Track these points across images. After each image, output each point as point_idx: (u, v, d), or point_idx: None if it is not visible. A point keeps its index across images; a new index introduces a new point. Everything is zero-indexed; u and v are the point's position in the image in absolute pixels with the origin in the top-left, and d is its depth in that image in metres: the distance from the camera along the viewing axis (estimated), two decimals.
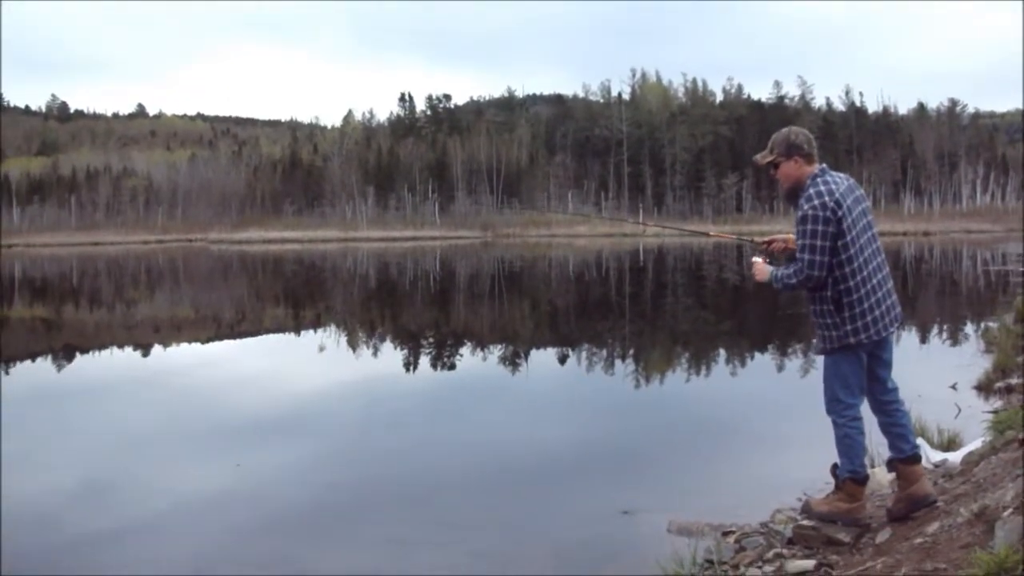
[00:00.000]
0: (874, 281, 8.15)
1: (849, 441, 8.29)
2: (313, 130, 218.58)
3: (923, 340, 25.06)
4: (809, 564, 7.75)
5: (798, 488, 10.50)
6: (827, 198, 7.98)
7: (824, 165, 8.36)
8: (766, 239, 8.93)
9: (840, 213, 7.97)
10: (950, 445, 11.54)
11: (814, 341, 8.45)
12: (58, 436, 15.70)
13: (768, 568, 8.07)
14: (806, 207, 7.96)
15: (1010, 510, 6.56)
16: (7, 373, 23.30)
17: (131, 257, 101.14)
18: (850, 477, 8.34)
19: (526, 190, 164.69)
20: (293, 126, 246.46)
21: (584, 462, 13.41)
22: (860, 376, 8.27)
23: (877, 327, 8.15)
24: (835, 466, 8.52)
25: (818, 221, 7.89)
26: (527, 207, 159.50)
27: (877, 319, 8.15)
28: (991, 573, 5.54)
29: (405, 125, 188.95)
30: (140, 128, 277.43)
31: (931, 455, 10.08)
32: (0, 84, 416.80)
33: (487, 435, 15.53)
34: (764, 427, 15.51)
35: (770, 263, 8.61)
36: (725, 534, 9.45)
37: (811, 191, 8.09)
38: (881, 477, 9.96)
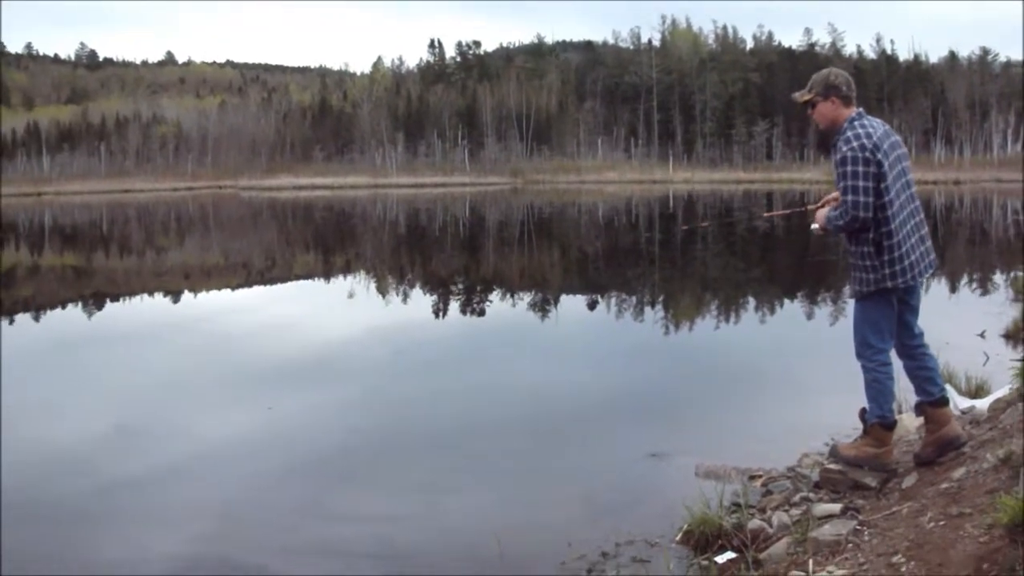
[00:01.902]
0: (910, 225, 8.15)
1: (878, 386, 8.29)
2: (343, 76, 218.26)
3: (952, 288, 25.01)
4: (836, 508, 7.77)
5: (826, 433, 10.54)
6: (865, 140, 7.95)
7: (861, 109, 8.33)
8: (816, 205, 8.89)
9: (879, 156, 7.94)
10: (978, 392, 11.52)
11: (850, 285, 8.40)
12: (89, 382, 15.85)
13: (795, 512, 8.10)
14: (845, 149, 7.92)
15: None
16: (38, 321, 23.42)
17: (161, 204, 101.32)
18: (878, 422, 8.34)
19: (556, 136, 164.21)
20: (322, 73, 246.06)
21: (613, 406, 13.46)
22: (891, 321, 8.27)
23: (914, 272, 8.15)
24: (863, 411, 8.51)
25: (858, 162, 7.85)
26: (556, 153, 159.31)
27: (914, 263, 8.15)
28: (1016, 518, 5.56)
29: (435, 71, 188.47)
30: (169, 75, 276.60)
31: (959, 402, 10.06)
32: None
33: (516, 380, 15.62)
34: (793, 372, 15.56)
35: (819, 228, 8.61)
36: (752, 478, 9.50)
37: (848, 133, 8.06)
38: (908, 423, 9.97)
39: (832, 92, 8.28)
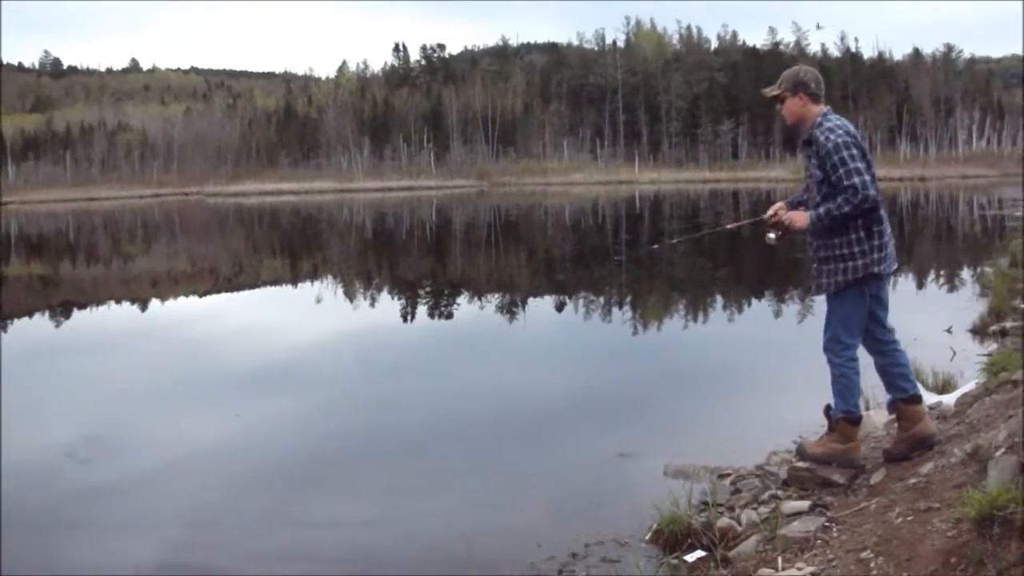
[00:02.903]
0: (885, 216, 8.24)
1: (845, 381, 8.33)
2: (308, 81, 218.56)
3: (919, 284, 25.13)
4: (804, 505, 7.80)
5: (793, 431, 10.56)
6: (848, 128, 8.09)
7: (828, 108, 8.39)
8: (769, 214, 8.86)
9: (861, 145, 8.06)
10: (945, 387, 11.60)
11: (821, 282, 8.32)
12: (57, 391, 15.77)
13: (763, 509, 8.12)
14: (832, 137, 7.96)
15: (1002, 450, 6.61)
16: (5, 331, 23.33)
17: (127, 212, 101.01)
18: (844, 417, 8.38)
19: (521, 139, 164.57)
20: (287, 78, 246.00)
21: (580, 407, 13.49)
22: (862, 317, 8.29)
23: (892, 259, 8.27)
24: (828, 407, 8.57)
25: (851, 147, 7.90)
26: (522, 155, 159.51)
27: (893, 252, 8.28)
28: (983, 511, 5.58)
29: (400, 75, 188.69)
30: (134, 83, 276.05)
31: (926, 397, 10.12)
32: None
33: (483, 383, 15.61)
34: (760, 371, 15.61)
35: (779, 232, 8.59)
36: (721, 476, 9.52)
37: (827, 124, 8.12)
38: (875, 419, 10.02)
39: (801, 88, 8.35)
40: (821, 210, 8.05)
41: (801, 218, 8.28)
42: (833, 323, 8.33)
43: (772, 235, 8.60)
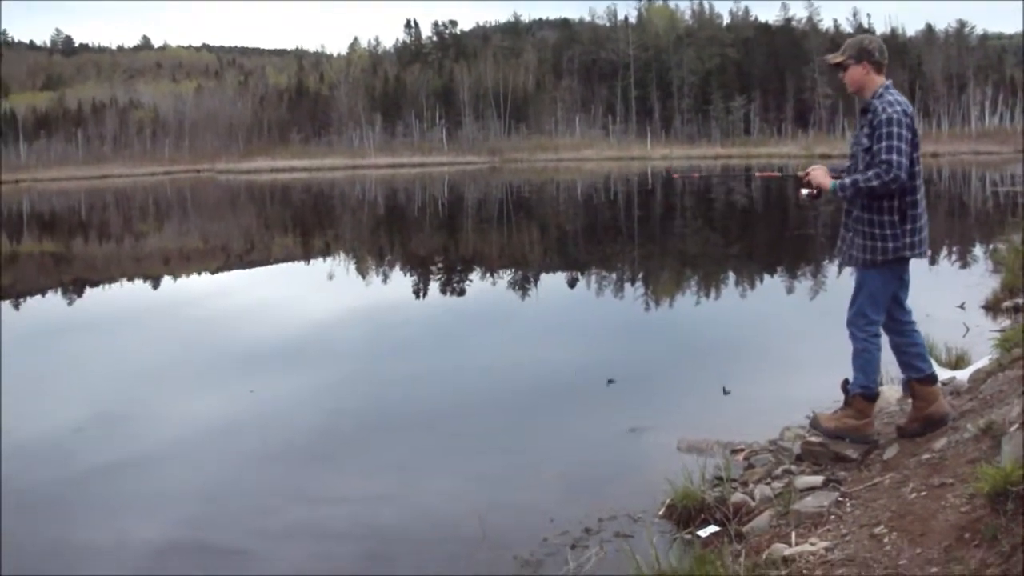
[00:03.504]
0: (923, 199, 8.22)
1: (867, 356, 8.31)
2: (319, 58, 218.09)
3: (932, 260, 24.97)
4: (817, 480, 7.80)
5: (807, 406, 10.46)
6: (905, 107, 8.00)
7: (891, 81, 8.36)
8: (805, 172, 8.83)
9: (914, 126, 8.02)
10: (958, 363, 11.57)
11: (852, 254, 8.29)
12: (70, 368, 15.82)
13: (777, 484, 8.12)
14: (889, 111, 7.90)
15: (1016, 425, 6.59)
16: (16, 309, 23.36)
17: (139, 189, 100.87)
18: (861, 393, 8.35)
19: (533, 115, 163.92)
20: (299, 55, 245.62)
21: (593, 383, 13.42)
22: (889, 295, 8.28)
23: (926, 244, 8.24)
24: (846, 382, 8.52)
25: (902, 125, 7.85)
26: (534, 132, 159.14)
27: (926, 236, 8.23)
28: (997, 486, 5.57)
29: (411, 52, 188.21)
30: (145, 60, 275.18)
31: (939, 373, 10.10)
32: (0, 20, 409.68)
33: (496, 359, 15.63)
34: (772, 346, 15.60)
35: (812, 191, 8.56)
36: (734, 452, 9.51)
37: (888, 97, 8.06)
38: (889, 395, 9.99)
39: (865, 56, 8.26)
40: (848, 179, 8.03)
41: (826, 179, 8.28)
42: (860, 298, 8.29)
43: (804, 192, 8.56)
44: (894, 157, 7.74)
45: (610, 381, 13.10)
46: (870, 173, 7.83)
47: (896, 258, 8.10)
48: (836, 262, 8.79)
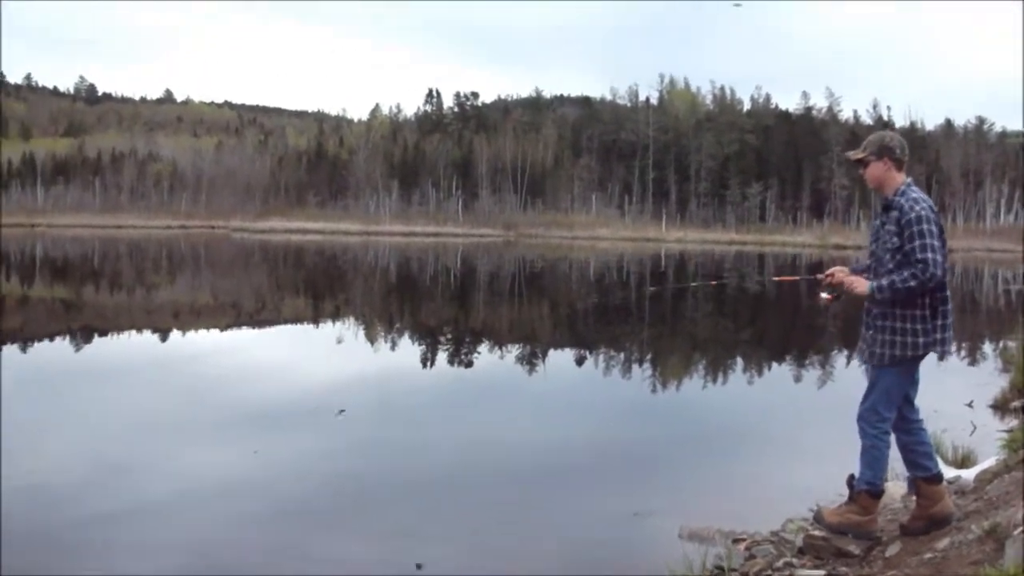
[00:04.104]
0: (950, 296, 8.21)
1: (876, 452, 8.26)
2: (340, 122, 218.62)
3: (941, 357, 24.98)
4: (819, 574, 7.77)
5: (811, 497, 10.47)
6: (931, 204, 8.06)
7: (911, 179, 8.37)
8: (827, 274, 8.83)
9: (940, 223, 8.06)
10: (964, 462, 11.55)
11: (875, 351, 8.23)
12: (74, 417, 15.78)
13: None
14: (917, 208, 7.95)
15: (1020, 529, 6.57)
16: (24, 352, 23.38)
17: (153, 242, 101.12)
18: (867, 489, 8.32)
19: (550, 191, 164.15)
20: (320, 117, 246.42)
21: (598, 463, 13.43)
22: (903, 393, 8.27)
23: (950, 341, 8.22)
24: (851, 477, 8.49)
25: (931, 223, 7.90)
26: (550, 208, 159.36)
27: (951, 334, 8.21)
28: None
29: (432, 121, 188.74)
30: (167, 113, 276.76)
31: (945, 472, 10.06)
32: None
33: (501, 433, 15.58)
34: (779, 435, 15.58)
35: (834, 294, 8.55)
36: (736, 541, 9.47)
37: (913, 195, 8.11)
38: (893, 491, 9.96)
39: (886, 153, 8.29)
40: (885, 281, 8.00)
41: (861, 284, 8.21)
42: (875, 394, 8.25)
43: (825, 295, 8.56)
44: (929, 255, 7.78)
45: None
46: (906, 274, 7.85)
47: (923, 354, 8.10)
48: (857, 360, 8.70)
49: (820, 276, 8.75)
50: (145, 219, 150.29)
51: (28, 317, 31.85)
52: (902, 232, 7.97)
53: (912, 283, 7.81)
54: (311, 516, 10.84)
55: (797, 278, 11.44)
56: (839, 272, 8.59)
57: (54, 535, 9.80)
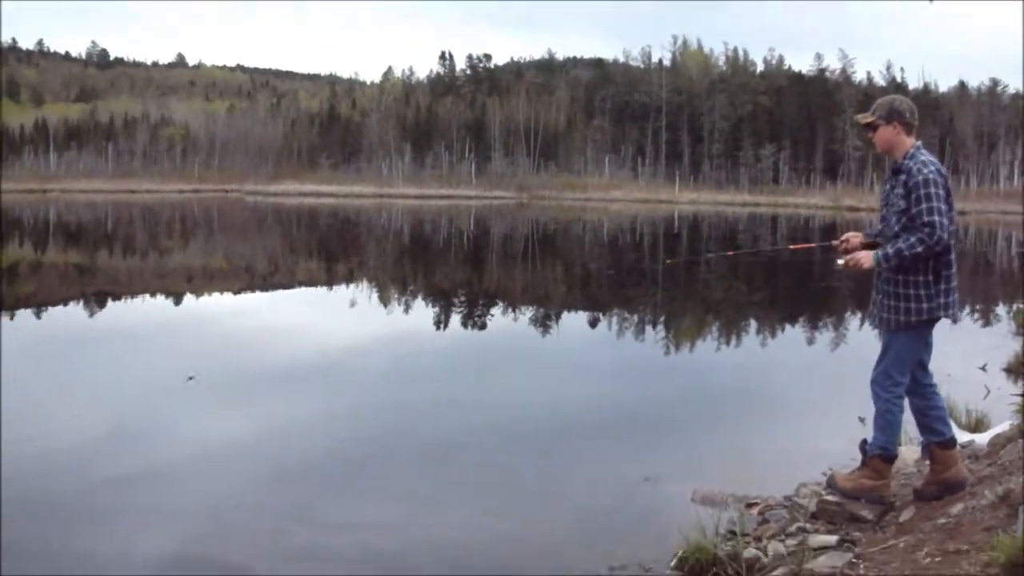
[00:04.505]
0: (954, 259, 8.19)
1: (889, 417, 8.23)
2: (352, 85, 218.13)
3: (954, 320, 24.89)
4: (831, 540, 7.74)
5: (824, 462, 10.45)
6: (940, 167, 8.02)
7: (921, 142, 8.33)
8: (841, 240, 8.80)
9: (948, 186, 8.00)
10: (977, 426, 11.50)
11: (883, 316, 8.24)
12: (86, 381, 15.78)
13: (790, 542, 8.04)
14: (925, 171, 7.90)
15: None
16: (38, 317, 23.43)
17: (166, 206, 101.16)
18: (880, 454, 8.30)
19: (563, 153, 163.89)
20: (332, 81, 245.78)
21: (610, 427, 13.40)
22: (916, 357, 8.24)
23: (957, 304, 8.22)
24: (864, 442, 8.48)
25: (939, 186, 7.85)
26: (563, 170, 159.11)
27: (957, 297, 8.19)
28: (1013, 557, 5.52)
29: (445, 84, 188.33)
30: (179, 78, 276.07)
31: (958, 436, 10.02)
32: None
33: (512, 396, 15.64)
34: (793, 398, 15.53)
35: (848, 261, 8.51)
36: (749, 506, 9.46)
37: (921, 158, 8.06)
38: (907, 456, 9.92)
39: (895, 117, 8.24)
40: (890, 249, 7.94)
41: (867, 259, 8.15)
42: (887, 359, 8.23)
43: (841, 262, 8.49)
44: (936, 218, 7.73)
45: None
46: (913, 239, 7.80)
47: (930, 319, 8.07)
48: (869, 324, 8.66)
49: (835, 243, 8.73)
50: (158, 183, 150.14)
51: (42, 282, 31.89)
52: (909, 195, 7.95)
53: (919, 248, 7.77)
54: (322, 478, 10.94)
55: (812, 245, 11.42)
56: (853, 238, 8.56)
57: (69, 501, 9.81)
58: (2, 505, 9.35)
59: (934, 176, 7.85)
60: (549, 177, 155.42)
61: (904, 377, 8.18)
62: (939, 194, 7.82)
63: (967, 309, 26.94)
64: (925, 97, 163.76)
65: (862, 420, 11.47)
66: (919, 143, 8.22)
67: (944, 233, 7.74)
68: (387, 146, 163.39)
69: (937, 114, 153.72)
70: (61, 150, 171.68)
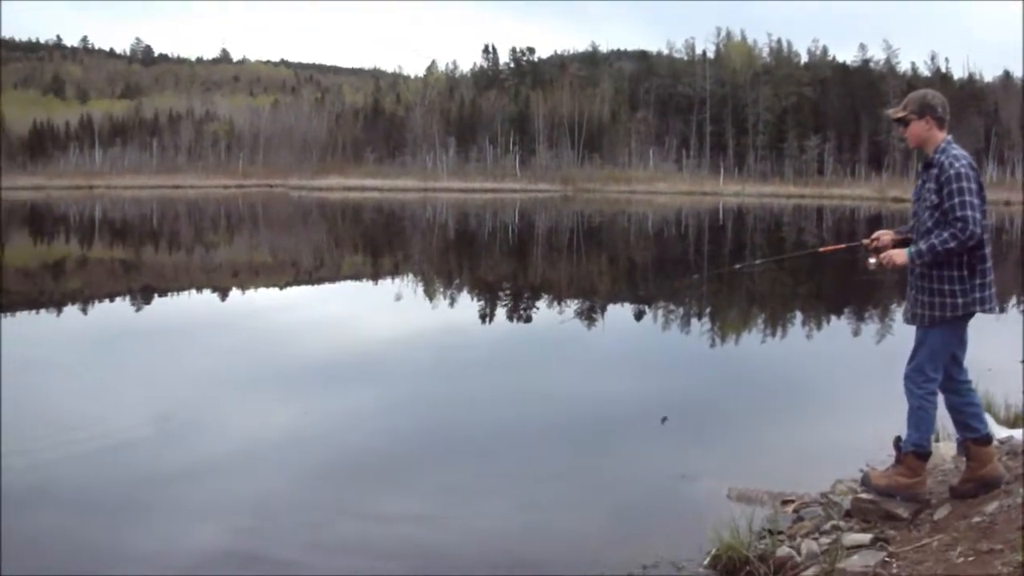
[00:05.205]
0: (989, 253, 8.13)
1: (922, 414, 8.19)
2: (396, 79, 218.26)
3: (993, 313, 24.73)
4: (866, 538, 7.73)
5: (861, 458, 10.42)
6: (971, 161, 7.99)
7: (952, 136, 8.29)
8: (871, 239, 8.80)
9: (980, 180, 7.97)
10: (1016, 422, 11.39)
11: (916, 312, 8.19)
12: (133, 376, 15.93)
13: (824, 540, 8.04)
14: (957, 165, 7.86)
15: None
16: (85, 313, 23.59)
17: (211, 201, 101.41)
18: (914, 451, 8.26)
19: (607, 145, 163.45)
20: (376, 75, 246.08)
21: (649, 421, 13.37)
22: (950, 353, 8.19)
23: (995, 299, 8.17)
24: (898, 439, 8.43)
25: (971, 180, 7.82)
26: (607, 162, 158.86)
27: (994, 291, 8.14)
28: None
29: (488, 77, 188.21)
30: (223, 73, 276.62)
31: (996, 431, 9.98)
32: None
33: (553, 389, 15.70)
34: (832, 394, 15.51)
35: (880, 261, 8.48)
36: (784, 503, 9.46)
37: (953, 152, 8.02)
38: (944, 451, 9.89)
39: (928, 112, 8.21)
40: (923, 246, 7.91)
41: (900, 256, 8.11)
42: (921, 354, 8.18)
43: (873, 260, 8.46)
44: (969, 212, 7.68)
45: (664, 419, 13.06)
46: (946, 235, 7.76)
47: (965, 314, 8.04)
48: (904, 320, 8.63)
49: (865, 242, 8.71)
50: (203, 179, 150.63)
51: (88, 278, 32.14)
52: (941, 189, 7.90)
53: (952, 244, 7.72)
54: (363, 471, 11.10)
55: (843, 246, 11.43)
56: (884, 236, 8.55)
57: (111, 494, 9.99)
58: (41, 499, 9.48)
59: (966, 170, 7.81)
60: (593, 170, 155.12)
61: (937, 373, 8.14)
62: (971, 188, 7.78)
63: (1012, 301, 26.80)
64: (970, 87, 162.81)
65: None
66: (950, 137, 8.18)
67: (977, 228, 7.69)
68: (431, 140, 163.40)
69: (982, 104, 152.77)
70: (106, 146, 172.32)
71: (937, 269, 7.98)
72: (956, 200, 7.75)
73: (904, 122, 8.30)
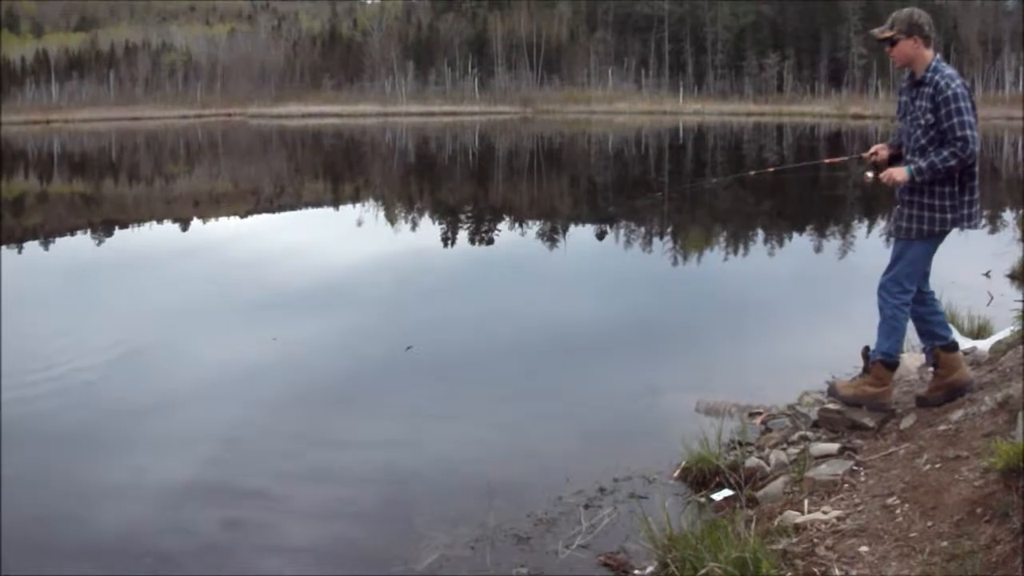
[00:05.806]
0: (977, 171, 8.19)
1: (894, 323, 8.25)
2: (353, 5, 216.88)
3: (975, 228, 24.76)
4: (833, 447, 7.80)
5: (826, 370, 10.50)
6: (963, 80, 8.00)
7: (939, 55, 8.31)
8: (870, 152, 8.80)
9: (972, 98, 7.99)
10: (980, 333, 11.47)
11: (901, 225, 8.17)
12: (97, 309, 15.89)
13: (792, 450, 8.14)
14: (953, 86, 7.87)
15: None
16: (46, 249, 23.49)
17: (170, 132, 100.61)
18: (882, 359, 8.31)
19: (566, 66, 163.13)
20: (332, 1, 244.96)
21: (615, 339, 13.50)
22: (927, 266, 8.30)
23: (979, 216, 8.29)
24: (867, 349, 8.50)
25: (966, 99, 7.85)
26: (567, 83, 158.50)
27: (978, 208, 8.23)
28: (1011, 463, 5.57)
29: (445, 0, 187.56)
30: (179, 3, 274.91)
31: (961, 342, 10.04)
32: None
33: (519, 310, 15.73)
34: (797, 308, 15.60)
35: (878, 172, 8.50)
36: (752, 415, 9.53)
37: (946, 72, 8.08)
38: (909, 363, 9.94)
39: (915, 31, 8.20)
40: (923, 163, 7.92)
41: (900, 174, 8.10)
42: (899, 266, 8.22)
43: (870, 174, 8.48)
44: (968, 132, 7.75)
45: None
46: (946, 153, 7.80)
47: (950, 229, 8.12)
48: (889, 233, 8.68)
49: (864, 155, 8.73)
50: (161, 110, 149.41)
51: (48, 213, 31.97)
52: (937, 109, 7.91)
53: (952, 162, 7.78)
54: (331, 398, 11.12)
55: (847, 158, 11.40)
56: (882, 150, 8.57)
57: (78, 428, 9.94)
58: (8, 434, 9.47)
59: (962, 90, 7.86)
60: (552, 91, 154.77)
61: (913, 285, 8.18)
62: (968, 107, 7.83)
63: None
64: (930, 3, 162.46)
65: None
66: (939, 55, 8.21)
67: (976, 146, 7.79)
68: (390, 65, 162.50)
69: (941, 20, 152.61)
70: (63, 80, 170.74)
71: (929, 185, 8.02)
72: (955, 120, 7.79)
73: (892, 41, 8.29)
